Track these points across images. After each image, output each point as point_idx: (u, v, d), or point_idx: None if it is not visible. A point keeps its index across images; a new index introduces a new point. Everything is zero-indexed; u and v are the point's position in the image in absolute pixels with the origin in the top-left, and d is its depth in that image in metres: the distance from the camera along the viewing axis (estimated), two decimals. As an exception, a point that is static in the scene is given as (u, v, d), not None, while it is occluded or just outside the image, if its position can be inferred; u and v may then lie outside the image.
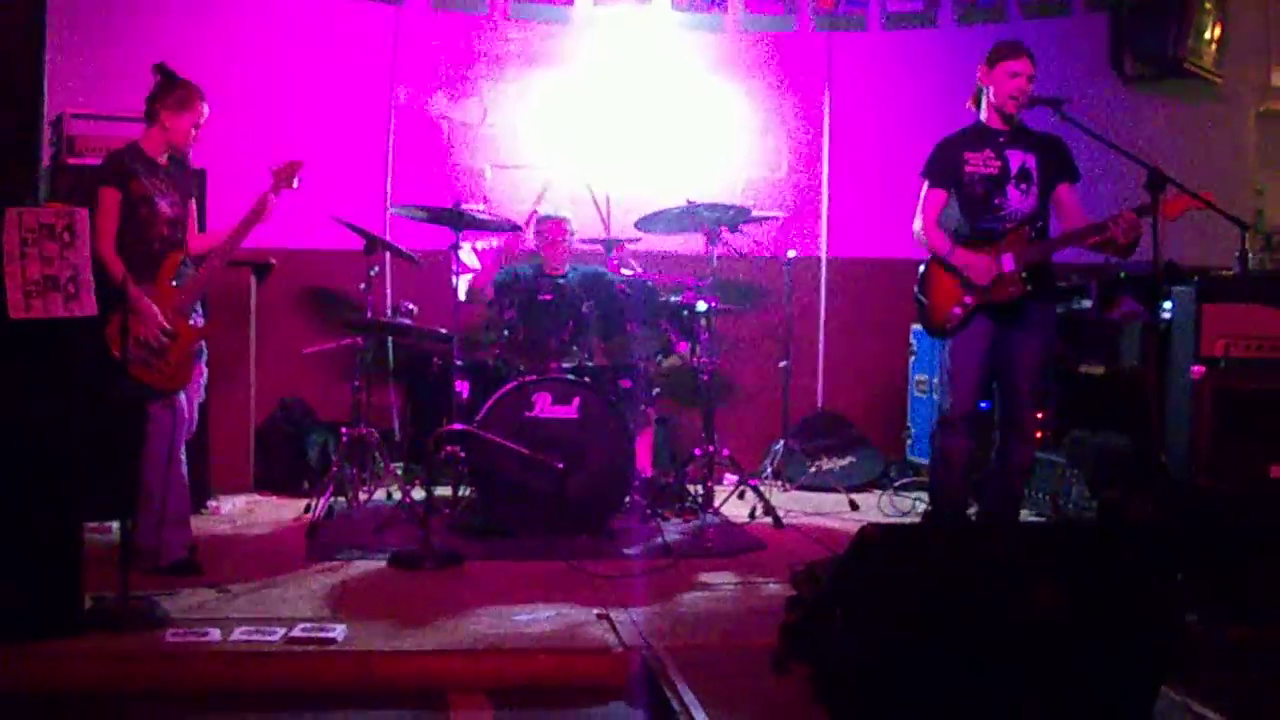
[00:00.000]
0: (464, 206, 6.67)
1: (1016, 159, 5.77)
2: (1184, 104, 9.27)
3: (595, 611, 5.07)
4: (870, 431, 8.70)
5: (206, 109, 5.69)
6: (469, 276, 7.65)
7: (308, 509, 6.90)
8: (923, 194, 5.95)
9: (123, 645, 4.49)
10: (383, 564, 5.88)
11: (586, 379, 6.66)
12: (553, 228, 7.56)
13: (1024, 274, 5.67)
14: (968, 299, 5.72)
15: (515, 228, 7.23)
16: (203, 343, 5.78)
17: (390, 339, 8.04)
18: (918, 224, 5.93)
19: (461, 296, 6.98)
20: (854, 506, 7.64)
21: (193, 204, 5.93)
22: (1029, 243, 5.71)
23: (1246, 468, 6.03)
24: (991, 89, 5.79)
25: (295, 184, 5.85)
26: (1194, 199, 5.36)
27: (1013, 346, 5.76)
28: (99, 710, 4.25)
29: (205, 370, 5.88)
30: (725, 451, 7.34)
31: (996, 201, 5.75)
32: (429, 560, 5.80)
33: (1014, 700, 3.68)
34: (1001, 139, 5.80)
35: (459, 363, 6.71)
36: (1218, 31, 9.09)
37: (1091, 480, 6.75)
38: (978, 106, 5.94)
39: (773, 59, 8.98)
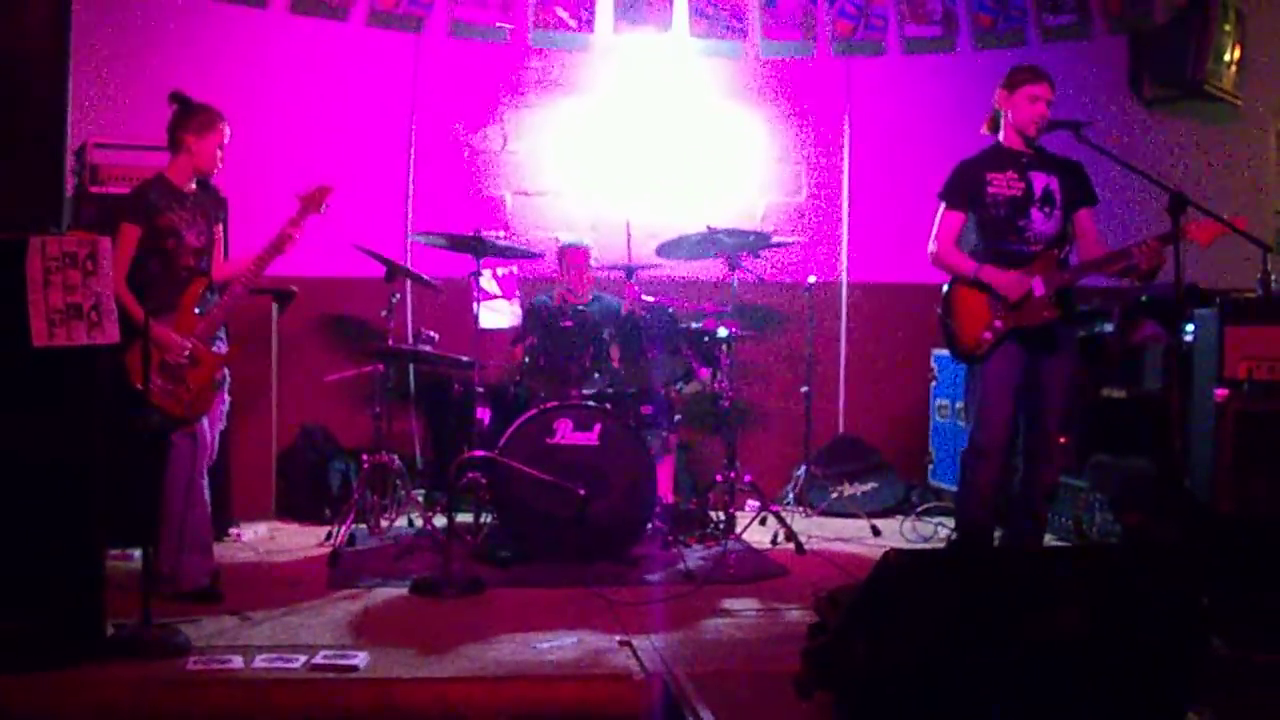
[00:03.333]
0: (484, 234, 6.69)
1: (1040, 181, 5.76)
2: (1204, 126, 9.25)
3: (617, 638, 5.07)
4: (892, 456, 8.68)
5: (229, 130, 5.72)
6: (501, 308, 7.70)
7: (329, 536, 6.92)
8: (939, 216, 5.92)
9: (145, 672, 4.49)
10: (404, 591, 5.88)
11: (607, 405, 6.66)
12: (575, 255, 7.58)
13: (1053, 298, 5.66)
14: (998, 323, 5.69)
15: (535, 255, 7.25)
16: (225, 371, 5.80)
17: (411, 366, 8.06)
18: (934, 246, 5.91)
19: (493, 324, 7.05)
20: (876, 532, 7.61)
21: (219, 230, 5.96)
22: (1058, 267, 5.69)
23: (1270, 490, 6.00)
24: (1011, 113, 5.78)
25: (324, 209, 5.87)
26: (1224, 225, 5.35)
27: (1041, 371, 5.74)
28: (121, 738, 4.25)
29: (228, 399, 5.90)
30: (747, 477, 7.33)
31: (1020, 224, 5.73)
32: (450, 587, 5.80)
33: (1039, 726, 3.67)
34: (1024, 160, 5.79)
35: (480, 389, 6.72)
36: (1237, 53, 9.07)
37: (1114, 504, 6.72)
38: (993, 130, 5.94)
39: (792, 85, 8.99)
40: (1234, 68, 9.09)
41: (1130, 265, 5.56)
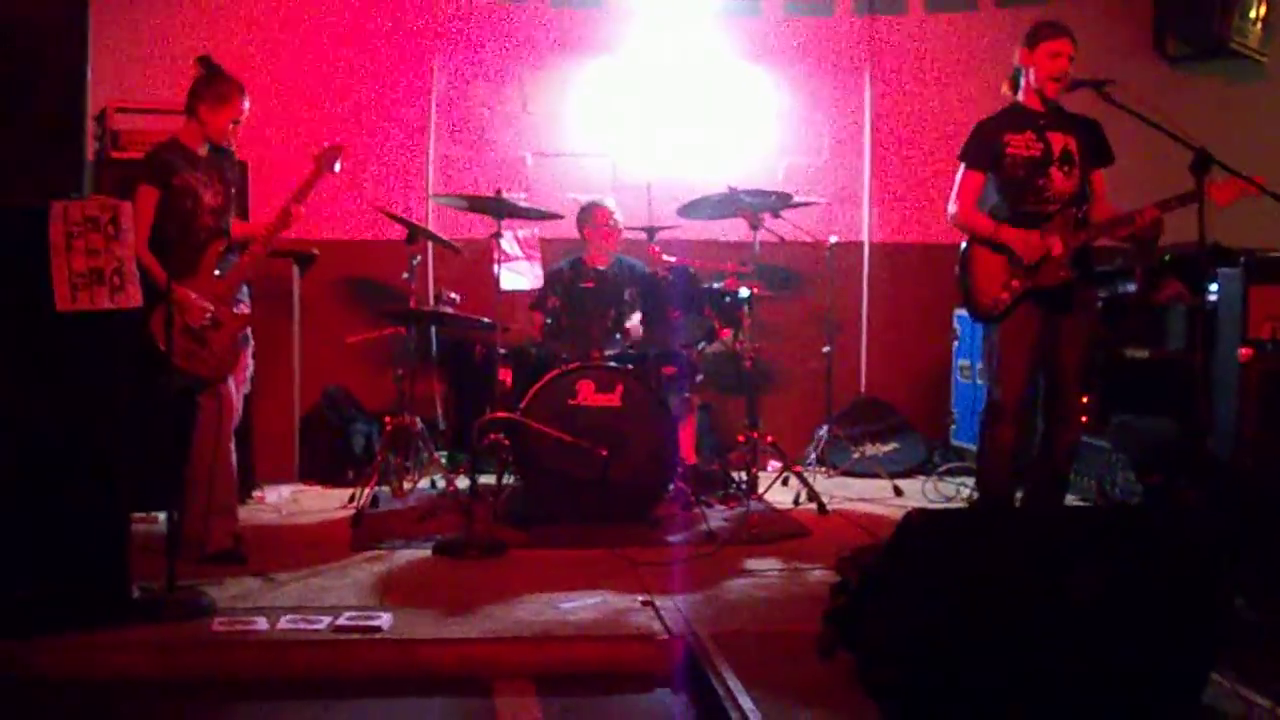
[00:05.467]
0: (505, 195, 6.68)
1: (1058, 141, 5.71)
2: (1228, 84, 9.14)
3: (639, 598, 5.08)
4: (914, 417, 8.68)
5: (247, 104, 5.70)
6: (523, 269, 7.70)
7: (352, 498, 6.96)
8: (959, 177, 5.88)
9: (170, 634, 4.53)
10: (427, 552, 5.90)
11: (629, 366, 6.66)
12: (602, 216, 7.53)
13: (1071, 258, 5.62)
14: (1015, 283, 5.65)
15: (556, 216, 7.23)
16: (248, 331, 5.82)
17: (433, 328, 8.07)
18: (954, 208, 5.86)
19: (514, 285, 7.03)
20: (898, 492, 7.62)
21: (233, 192, 5.96)
22: (1076, 226, 5.65)
23: (1294, 450, 5.98)
24: (1032, 70, 5.73)
25: (337, 168, 5.87)
26: (1246, 183, 5.30)
27: (1059, 330, 5.70)
28: (147, 699, 4.28)
29: (251, 362, 5.92)
30: (769, 438, 7.33)
31: (1040, 184, 5.68)
32: (473, 548, 5.83)
33: (1061, 686, 3.67)
34: (1042, 121, 5.74)
35: (502, 351, 6.73)
36: (1263, 10, 8.97)
37: (1137, 465, 6.71)
38: (1014, 89, 5.89)
39: (813, 44, 8.94)
40: (1260, 25, 8.99)
41: (1132, 232, 5.55)
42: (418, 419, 7.24)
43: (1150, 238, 5.54)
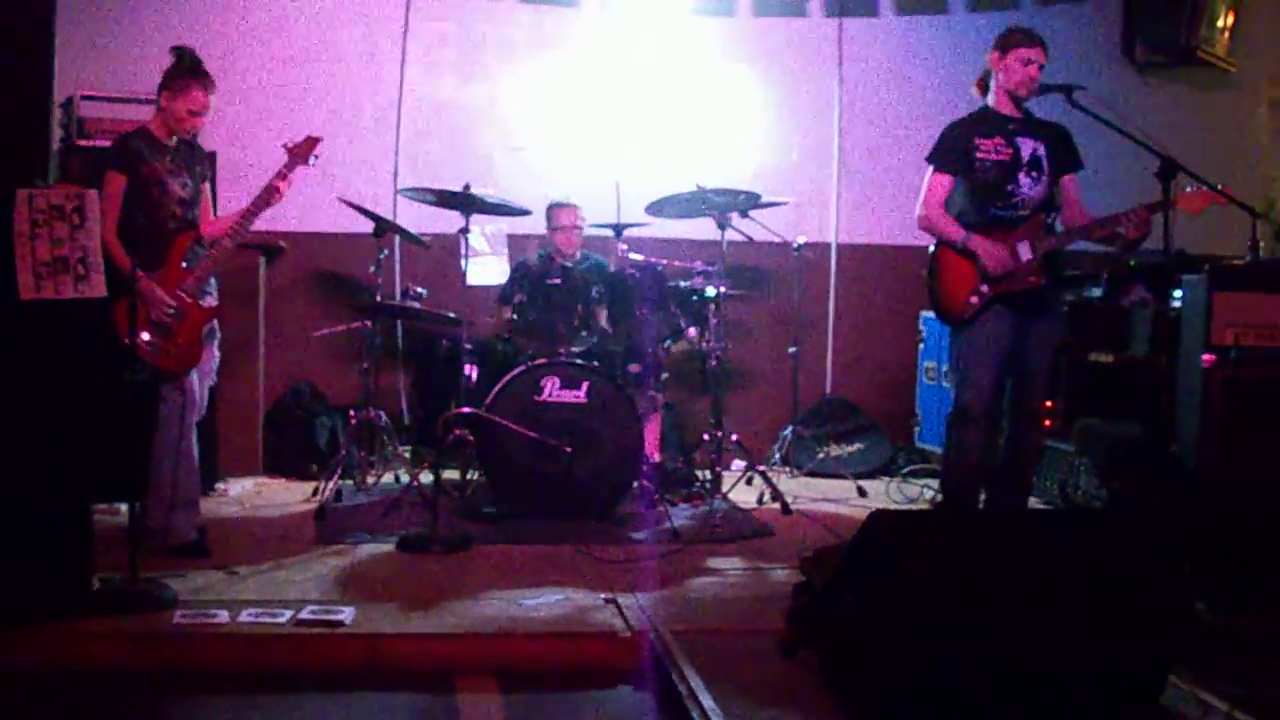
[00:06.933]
0: (473, 190, 6.67)
1: (1028, 146, 5.72)
2: (1196, 92, 9.21)
3: (603, 596, 5.09)
4: (879, 418, 8.68)
5: (209, 99, 5.63)
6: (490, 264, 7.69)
7: (316, 492, 6.94)
8: (927, 179, 5.86)
9: (131, 626, 4.51)
10: (391, 547, 5.89)
11: (595, 363, 6.66)
12: (563, 214, 7.55)
13: (1040, 263, 5.63)
14: (984, 288, 5.64)
15: (524, 212, 7.23)
16: (215, 324, 5.79)
17: (399, 322, 8.05)
18: (922, 210, 5.84)
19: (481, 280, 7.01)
20: (862, 493, 7.63)
21: (206, 186, 5.93)
22: (1045, 232, 5.67)
23: (1256, 457, 6.01)
24: (1002, 75, 5.74)
25: (312, 161, 5.85)
26: (1214, 193, 5.33)
27: (1027, 334, 5.70)
28: (108, 690, 4.26)
29: (217, 354, 5.89)
30: (733, 437, 7.34)
31: (1009, 188, 5.68)
32: (437, 543, 5.81)
33: (1021, 688, 3.69)
34: (1012, 126, 5.75)
35: (468, 346, 6.72)
36: (1230, 19, 9.04)
37: (1101, 469, 6.73)
38: (983, 92, 5.90)
39: (784, 44, 8.93)
40: (1227, 34, 9.07)
41: (1117, 233, 5.56)
42: (382, 413, 7.22)
43: (1140, 236, 5.54)
